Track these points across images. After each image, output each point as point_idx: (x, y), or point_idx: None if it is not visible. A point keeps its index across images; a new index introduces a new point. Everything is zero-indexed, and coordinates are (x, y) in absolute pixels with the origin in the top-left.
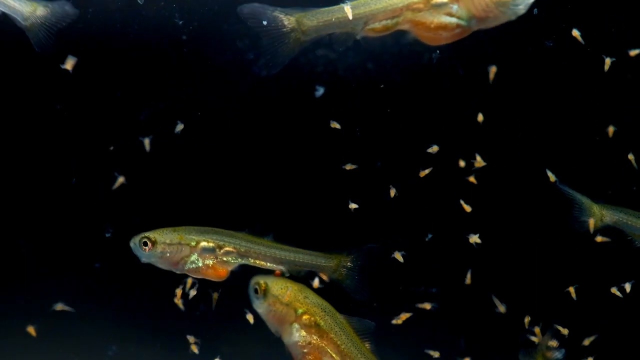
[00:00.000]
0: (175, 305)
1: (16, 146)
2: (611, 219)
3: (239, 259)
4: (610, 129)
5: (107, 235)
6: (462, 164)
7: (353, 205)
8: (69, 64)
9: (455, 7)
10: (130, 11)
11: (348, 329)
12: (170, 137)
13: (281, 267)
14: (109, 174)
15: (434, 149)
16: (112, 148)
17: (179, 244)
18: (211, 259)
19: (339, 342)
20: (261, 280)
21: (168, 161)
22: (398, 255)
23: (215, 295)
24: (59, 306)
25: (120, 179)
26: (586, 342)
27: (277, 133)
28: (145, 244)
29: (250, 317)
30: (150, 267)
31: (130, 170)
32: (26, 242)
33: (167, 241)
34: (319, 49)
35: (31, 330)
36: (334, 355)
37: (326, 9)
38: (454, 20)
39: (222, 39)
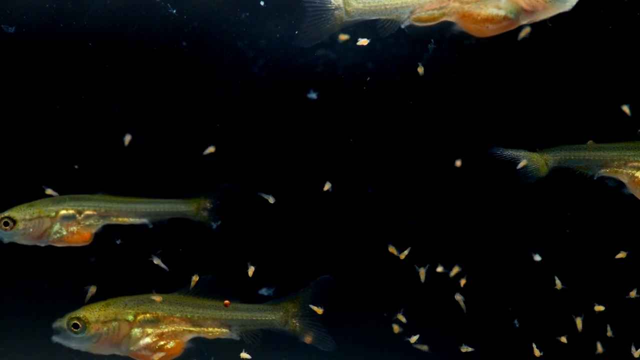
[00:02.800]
0: None
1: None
2: (554, 159)
3: (101, 220)
4: None
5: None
6: (458, 163)
7: (327, 186)
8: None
9: (503, 0)
10: (130, 11)
11: (187, 300)
12: (169, 136)
13: (144, 220)
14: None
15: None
16: (76, 167)
17: (39, 217)
18: (74, 226)
19: (188, 316)
20: (73, 314)
21: (167, 161)
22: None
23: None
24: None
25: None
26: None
27: (276, 133)
28: (7, 223)
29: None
30: (148, 266)
31: (129, 171)
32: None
33: (27, 217)
34: (319, 49)
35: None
36: (190, 328)
37: None
38: (501, 12)
39: (222, 39)
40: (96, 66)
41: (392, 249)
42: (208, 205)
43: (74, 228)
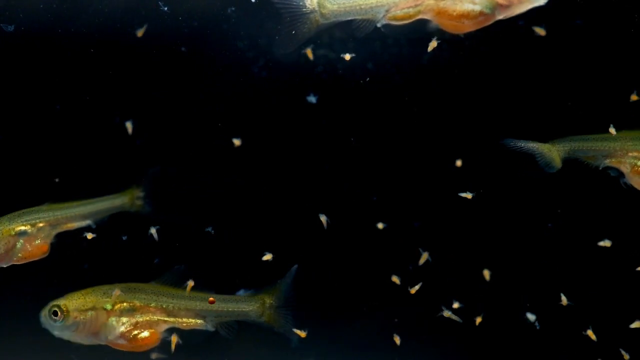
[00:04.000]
0: None
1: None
2: (564, 150)
3: (53, 230)
4: None
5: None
6: (458, 163)
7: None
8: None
9: None
10: (129, 11)
11: (165, 289)
12: (168, 136)
13: (88, 222)
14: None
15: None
16: (57, 180)
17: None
18: (33, 240)
19: (163, 305)
20: (54, 302)
21: (166, 161)
22: (425, 256)
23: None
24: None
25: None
26: None
27: (274, 133)
28: None
29: None
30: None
31: (128, 171)
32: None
33: None
34: (319, 49)
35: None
36: (164, 318)
37: None
38: (477, 7)
39: (222, 39)
40: (95, 66)
41: (395, 279)
42: (140, 193)
43: (35, 242)
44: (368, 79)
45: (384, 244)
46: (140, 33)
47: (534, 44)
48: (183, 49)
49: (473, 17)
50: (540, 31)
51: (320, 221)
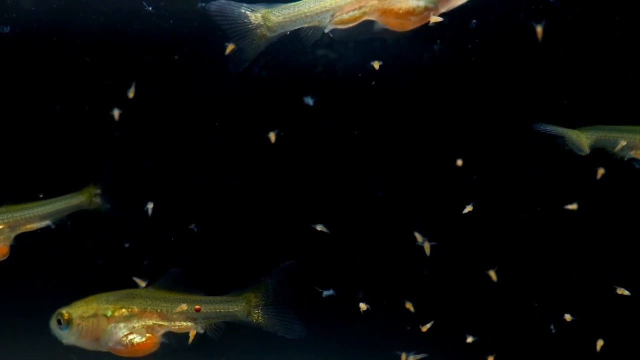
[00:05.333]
0: None
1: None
2: (591, 138)
3: (12, 232)
4: None
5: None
6: (459, 163)
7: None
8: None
9: None
10: (129, 11)
11: (160, 294)
12: (168, 136)
13: (47, 222)
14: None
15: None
16: (41, 196)
17: None
18: None
19: (159, 310)
20: (61, 310)
21: (164, 161)
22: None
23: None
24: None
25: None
26: None
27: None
28: None
29: None
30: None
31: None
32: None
33: None
34: (319, 49)
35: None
36: (160, 322)
37: (292, 4)
38: (421, 3)
39: (222, 39)
40: (93, 66)
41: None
42: (98, 191)
43: None
44: (374, 82)
45: (384, 244)
46: (131, 94)
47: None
48: (183, 50)
49: (419, 13)
50: (539, 30)
51: (320, 221)
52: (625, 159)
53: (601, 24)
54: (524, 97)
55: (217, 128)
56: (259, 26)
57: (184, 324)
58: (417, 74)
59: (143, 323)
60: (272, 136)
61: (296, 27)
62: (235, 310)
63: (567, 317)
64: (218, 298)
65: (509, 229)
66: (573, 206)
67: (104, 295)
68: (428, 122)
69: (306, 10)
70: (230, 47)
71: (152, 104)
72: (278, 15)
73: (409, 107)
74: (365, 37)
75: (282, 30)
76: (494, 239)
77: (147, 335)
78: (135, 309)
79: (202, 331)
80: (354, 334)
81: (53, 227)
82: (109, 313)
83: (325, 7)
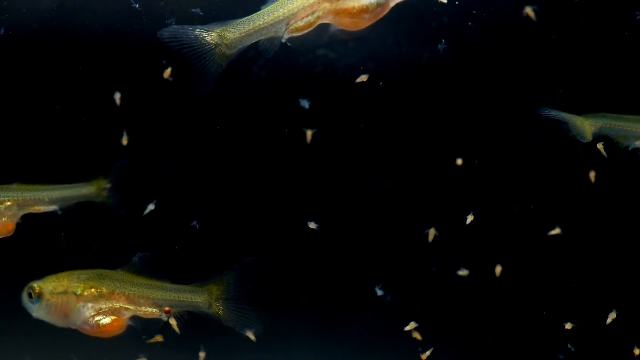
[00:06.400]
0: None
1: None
2: (596, 126)
3: (20, 211)
4: None
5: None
6: (459, 162)
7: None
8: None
9: None
10: (128, 11)
11: (131, 278)
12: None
13: (54, 207)
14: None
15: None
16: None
17: None
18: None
19: (127, 293)
20: (33, 284)
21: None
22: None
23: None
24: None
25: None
26: None
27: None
28: None
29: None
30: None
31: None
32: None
33: None
34: (319, 49)
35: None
36: (127, 306)
37: (246, 18)
38: (374, 0)
39: None
40: (92, 66)
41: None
42: (107, 185)
43: (2, 220)
44: (382, 83)
45: (384, 244)
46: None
47: (544, 36)
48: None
49: (373, 10)
50: (530, 12)
51: (320, 221)
52: (630, 149)
53: (601, 23)
54: (524, 97)
55: (217, 128)
56: (217, 45)
57: (150, 309)
58: (417, 73)
59: (110, 305)
60: (310, 134)
61: (254, 41)
62: (198, 302)
63: (568, 325)
64: (183, 287)
65: (508, 229)
66: (556, 231)
67: (76, 273)
68: (428, 122)
69: (261, 23)
70: (167, 72)
71: (152, 104)
72: (234, 32)
73: (408, 107)
74: (322, 41)
75: (240, 47)
76: (493, 239)
77: (114, 317)
78: (104, 290)
79: (166, 319)
80: (354, 333)
81: (59, 212)
82: (79, 292)
83: (279, 17)
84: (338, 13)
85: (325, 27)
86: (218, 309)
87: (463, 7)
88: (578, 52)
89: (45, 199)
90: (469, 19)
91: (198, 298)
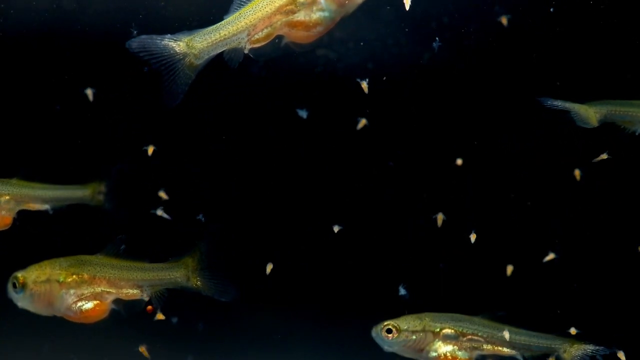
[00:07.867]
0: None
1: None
2: (601, 112)
3: (17, 206)
4: None
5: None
6: (459, 162)
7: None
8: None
9: (323, 1)
10: (128, 11)
11: (108, 261)
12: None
13: (46, 206)
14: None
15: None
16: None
17: None
18: None
19: (108, 276)
20: (17, 274)
21: (163, 160)
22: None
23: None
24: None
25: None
26: None
27: (276, 132)
28: None
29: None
30: None
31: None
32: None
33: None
34: (319, 49)
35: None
36: (108, 289)
37: (210, 28)
38: (326, 13)
39: None
40: (90, 66)
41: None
42: (103, 189)
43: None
44: (385, 77)
45: (384, 244)
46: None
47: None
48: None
49: (325, 24)
50: (504, 20)
51: (320, 220)
52: (637, 134)
53: (600, 24)
54: (524, 97)
55: (217, 128)
56: (186, 55)
57: (131, 291)
58: (417, 74)
59: (92, 290)
60: (363, 122)
61: (219, 51)
62: (176, 277)
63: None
64: (160, 265)
65: (508, 228)
66: (551, 256)
67: (58, 261)
68: (428, 122)
69: (225, 33)
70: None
71: (151, 103)
72: (202, 42)
73: (408, 107)
74: (277, 54)
75: (208, 56)
76: (493, 239)
77: (96, 302)
78: (85, 276)
79: (146, 299)
80: (354, 333)
81: (51, 212)
82: (61, 278)
83: (240, 27)
84: (294, 25)
85: (279, 39)
86: (196, 279)
87: (463, 7)
88: (578, 51)
89: (39, 197)
90: (469, 19)
91: (176, 273)
